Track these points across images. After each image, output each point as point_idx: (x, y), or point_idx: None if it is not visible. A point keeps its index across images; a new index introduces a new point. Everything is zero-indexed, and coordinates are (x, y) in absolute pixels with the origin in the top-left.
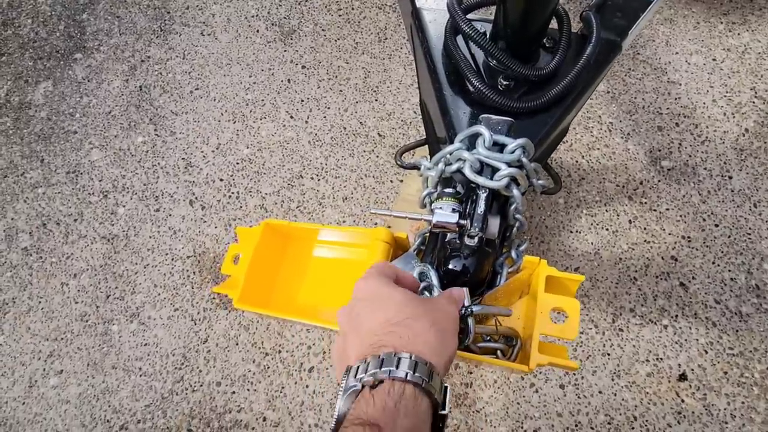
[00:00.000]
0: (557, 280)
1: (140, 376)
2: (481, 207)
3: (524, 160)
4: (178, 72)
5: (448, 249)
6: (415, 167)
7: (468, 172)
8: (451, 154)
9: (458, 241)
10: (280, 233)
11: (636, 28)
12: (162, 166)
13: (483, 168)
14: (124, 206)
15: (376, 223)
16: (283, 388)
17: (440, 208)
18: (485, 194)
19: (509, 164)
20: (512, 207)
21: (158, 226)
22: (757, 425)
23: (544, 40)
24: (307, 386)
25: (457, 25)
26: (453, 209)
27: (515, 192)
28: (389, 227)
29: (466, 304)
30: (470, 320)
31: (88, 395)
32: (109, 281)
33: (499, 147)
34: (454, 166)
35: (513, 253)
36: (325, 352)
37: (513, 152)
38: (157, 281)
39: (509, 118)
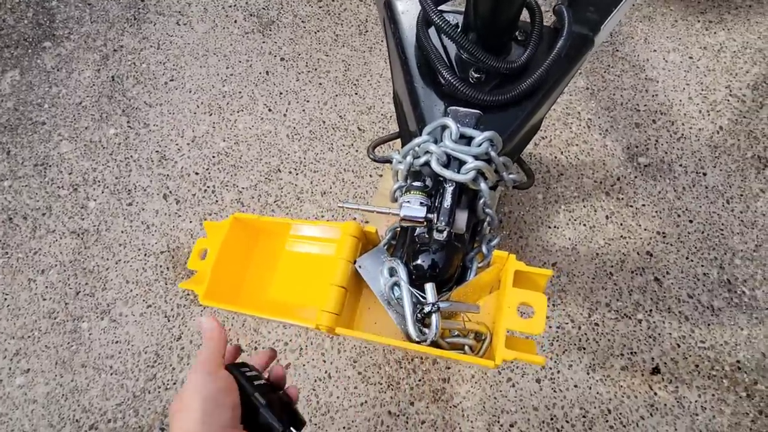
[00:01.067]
0: (525, 274)
1: (111, 374)
2: (447, 201)
3: (492, 153)
4: (153, 62)
5: (417, 243)
6: (387, 161)
7: (435, 165)
8: (419, 147)
9: (427, 236)
10: (249, 227)
11: (608, 23)
12: (135, 159)
13: (450, 161)
14: (95, 200)
15: (355, 218)
16: None
17: (408, 201)
18: (452, 188)
19: (476, 157)
20: (481, 201)
21: (131, 221)
22: (726, 417)
23: (516, 33)
24: None
25: (428, 17)
26: (421, 203)
27: (483, 186)
28: (367, 222)
29: (431, 300)
30: (435, 316)
31: (56, 394)
32: (78, 277)
33: (467, 140)
34: (422, 159)
35: (483, 248)
36: (302, 349)
37: (480, 145)
38: (129, 277)
39: (477, 111)
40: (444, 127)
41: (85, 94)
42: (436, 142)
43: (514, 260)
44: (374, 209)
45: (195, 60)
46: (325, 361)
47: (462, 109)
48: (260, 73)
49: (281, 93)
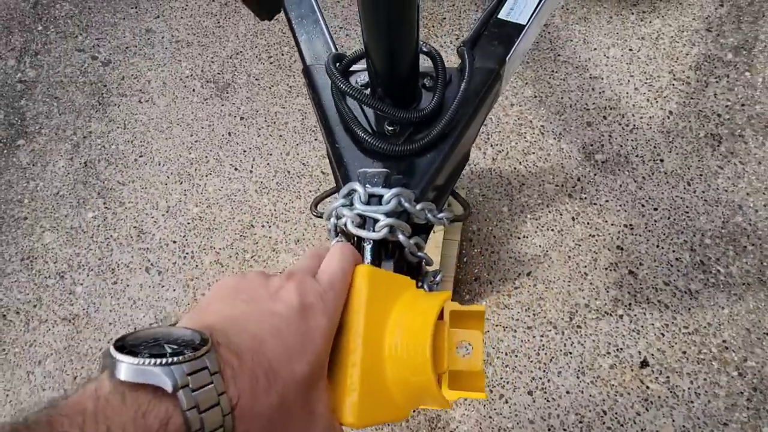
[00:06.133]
0: (460, 313)
1: None
2: (367, 259)
3: (407, 205)
4: (121, 142)
5: None
6: None
7: (350, 228)
8: (335, 210)
9: None
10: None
11: (514, 54)
12: (115, 238)
13: (366, 220)
14: (81, 284)
15: None
16: None
17: None
18: (370, 245)
19: (388, 214)
20: (405, 250)
21: (117, 299)
22: (721, 399)
23: (424, 80)
24: None
25: (333, 82)
26: None
27: (401, 238)
28: None
29: None
30: None
31: None
32: (74, 362)
33: (378, 198)
34: (341, 222)
35: (425, 287)
36: None
37: (389, 202)
38: None
39: (384, 170)
40: (353, 191)
41: (61, 183)
42: (351, 204)
43: (449, 302)
44: None
45: (160, 133)
46: None
47: (370, 169)
48: (223, 135)
49: (245, 151)
